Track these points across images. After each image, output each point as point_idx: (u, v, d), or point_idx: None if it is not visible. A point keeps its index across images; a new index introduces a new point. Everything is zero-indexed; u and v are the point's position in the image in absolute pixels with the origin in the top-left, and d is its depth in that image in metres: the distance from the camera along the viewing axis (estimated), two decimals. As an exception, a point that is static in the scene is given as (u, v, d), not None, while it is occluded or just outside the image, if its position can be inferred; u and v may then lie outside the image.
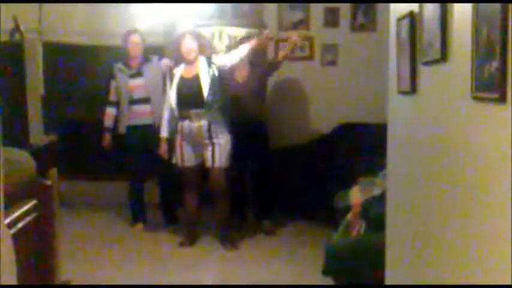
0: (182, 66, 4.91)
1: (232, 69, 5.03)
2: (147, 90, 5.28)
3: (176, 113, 4.86)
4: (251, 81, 5.33)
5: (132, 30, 5.40)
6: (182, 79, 4.87)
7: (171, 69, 4.97)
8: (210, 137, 4.80)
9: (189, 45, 4.85)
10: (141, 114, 5.31)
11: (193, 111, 4.80)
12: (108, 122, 5.44)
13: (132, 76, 5.31)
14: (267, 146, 5.53)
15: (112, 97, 5.41)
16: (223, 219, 4.98)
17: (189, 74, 4.87)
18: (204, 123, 4.80)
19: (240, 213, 5.52)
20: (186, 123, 4.83)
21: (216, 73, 4.83)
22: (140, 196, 5.49)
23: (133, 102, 5.31)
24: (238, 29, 5.68)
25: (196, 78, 4.82)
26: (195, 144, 4.85)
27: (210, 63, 4.86)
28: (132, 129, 5.33)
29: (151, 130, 5.20)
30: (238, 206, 5.45)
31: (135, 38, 5.33)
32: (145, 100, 5.30)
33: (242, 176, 5.50)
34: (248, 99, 5.28)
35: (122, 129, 5.39)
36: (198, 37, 4.97)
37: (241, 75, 5.29)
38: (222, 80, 4.90)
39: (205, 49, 5.01)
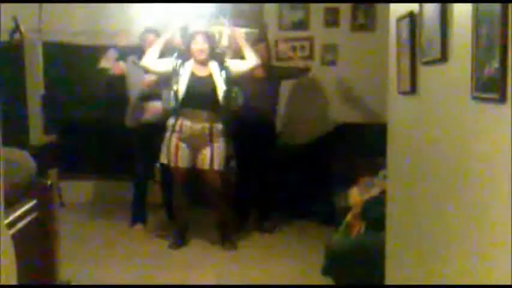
0: (191, 63, 4.79)
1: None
2: (161, 86, 5.25)
3: (175, 109, 4.73)
4: (265, 81, 5.33)
5: (148, 29, 5.38)
6: (194, 76, 4.75)
7: (180, 63, 4.80)
8: (211, 141, 4.72)
9: (199, 46, 4.76)
10: (156, 110, 5.23)
11: (197, 112, 4.69)
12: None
13: (147, 72, 5.17)
14: (274, 146, 5.53)
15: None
16: (223, 220, 4.96)
17: (201, 73, 4.77)
18: (206, 125, 4.70)
19: (243, 214, 5.50)
20: (187, 123, 4.70)
21: (229, 75, 4.73)
22: (143, 196, 5.48)
23: (147, 98, 5.25)
24: (238, 29, 5.66)
25: (210, 78, 4.73)
26: (192, 146, 4.74)
27: (223, 67, 4.76)
28: (147, 125, 5.24)
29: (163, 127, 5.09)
30: (241, 206, 5.44)
31: (150, 37, 5.30)
32: (159, 96, 5.28)
33: (247, 176, 5.47)
34: (262, 98, 5.27)
35: (129, 124, 5.34)
36: (210, 38, 4.86)
37: (257, 76, 5.25)
38: (238, 80, 4.83)
39: (215, 50, 4.91)
